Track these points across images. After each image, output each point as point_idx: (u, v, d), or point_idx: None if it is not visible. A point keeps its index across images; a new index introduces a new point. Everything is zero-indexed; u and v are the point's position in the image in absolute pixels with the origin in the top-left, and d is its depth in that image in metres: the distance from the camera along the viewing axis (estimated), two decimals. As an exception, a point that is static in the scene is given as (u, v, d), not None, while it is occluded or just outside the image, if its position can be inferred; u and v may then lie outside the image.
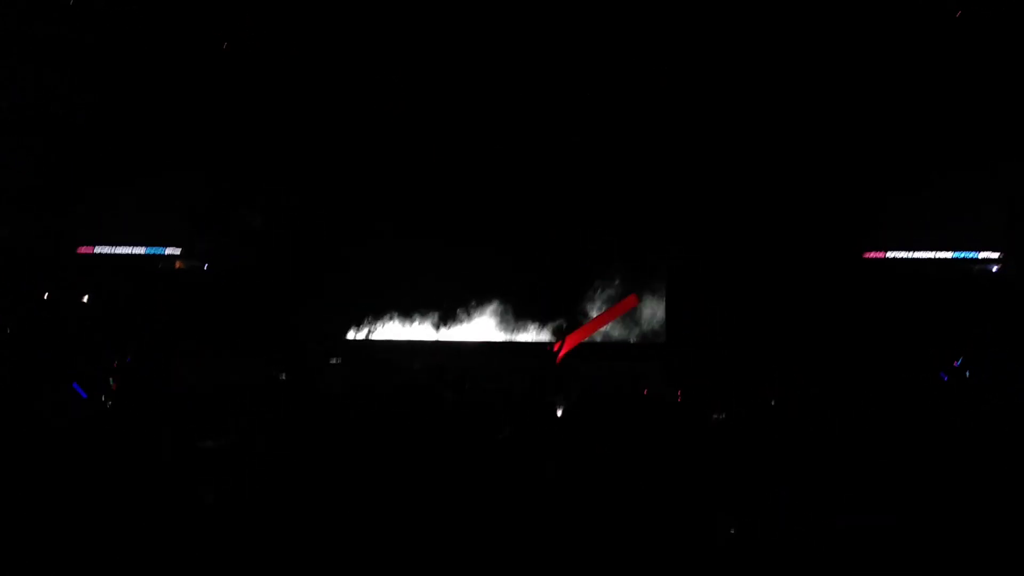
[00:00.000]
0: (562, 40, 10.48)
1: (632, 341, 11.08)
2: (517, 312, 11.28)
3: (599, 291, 11.06)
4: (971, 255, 10.59)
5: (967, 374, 9.19)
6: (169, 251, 11.46)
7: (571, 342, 10.11)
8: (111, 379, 8.01)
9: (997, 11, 9.87)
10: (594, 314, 10.85)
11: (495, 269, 11.21)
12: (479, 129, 11.17)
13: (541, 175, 11.17)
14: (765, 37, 10.28)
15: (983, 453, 4.50)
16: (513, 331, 11.30)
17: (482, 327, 11.36)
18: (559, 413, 5.34)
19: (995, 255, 10.59)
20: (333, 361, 10.60)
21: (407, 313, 11.47)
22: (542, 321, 11.22)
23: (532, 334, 11.25)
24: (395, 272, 11.30)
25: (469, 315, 11.39)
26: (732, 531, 3.92)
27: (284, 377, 8.28)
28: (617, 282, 11.02)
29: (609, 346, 11.02)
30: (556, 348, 10.14)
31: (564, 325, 10.95)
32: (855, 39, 10.16)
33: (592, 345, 10.83)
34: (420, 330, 11.46)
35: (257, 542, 3.85)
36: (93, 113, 11.08)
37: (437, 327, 11.45)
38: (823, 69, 10.38)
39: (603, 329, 11.04)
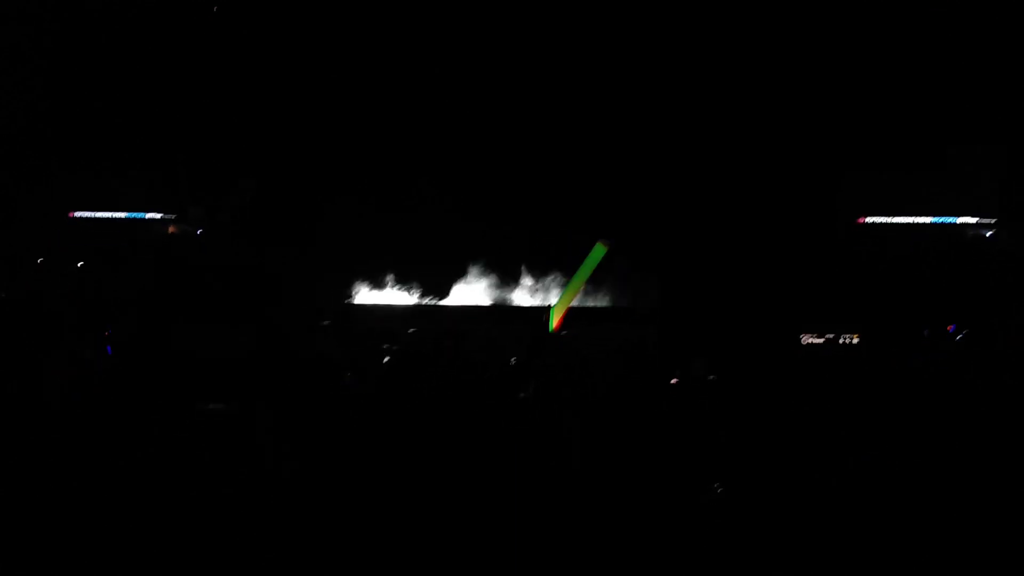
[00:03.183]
0: (550, 30, 10.46)
1: (627, 306, 11.12)
2: (509, 276, 11.30)
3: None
4: (954, 220, 10.62)
5: (959, 338, 9.25)
6: (150, 216, 11.38)
7: (560, 310, 10.13)
8: (107, 346, 7.99)
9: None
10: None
11: (486, 233, 11.20)
12: (475, 100, 11.09)
13: (536, 141, 11.12)
14: (754, 16, 10.25)
15: (980, 422, 4.53)
16: (506, 295, 11.34)
17: (474, 291, 11.39)
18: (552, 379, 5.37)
19: (989, 220, 10.62)
20: (325, 323, 10.60)
21: (400, 277, 11.47)
22: (535, 284, 11.26)
23: (525, 297, 11.30)
24: (388, 237, 11.27)
25: (461, 279, 11.40)
26: (719, 490, 3.96)
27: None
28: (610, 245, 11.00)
29: (604, 311, 11.06)
30: (546, 319, 10.16)
31: (551, 290, 10.99)
32: (842, 11, 10.13)
33: (587, 310, 10.87)
34: (413, 294, 11.48)
35: (263, 512, 3.88)
36: (88, 79, 10.95)
37: (429, 291, 11.47)
38: (815, 41, 10.34)
39: (598, 293, 11.09)
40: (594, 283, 10.93)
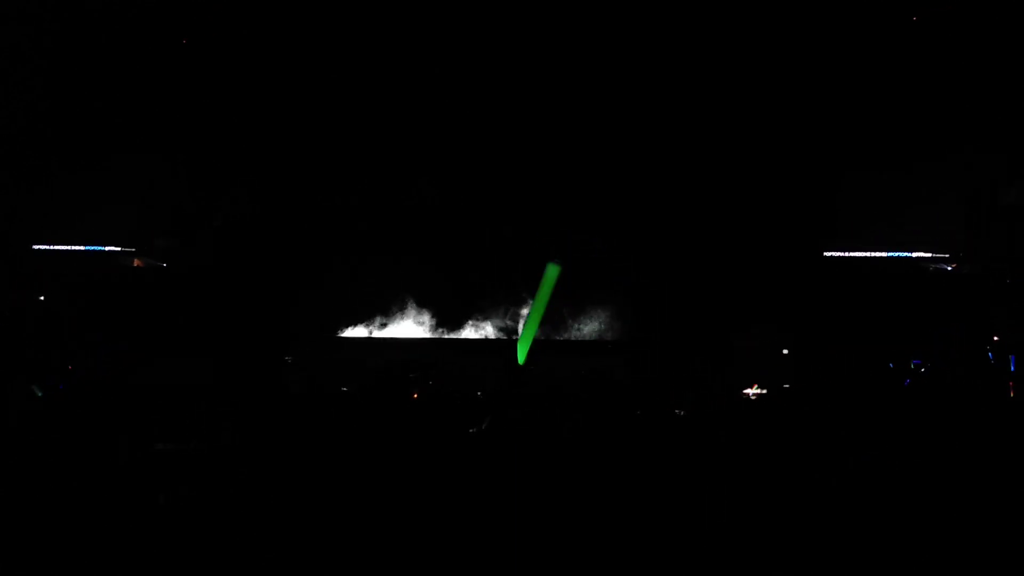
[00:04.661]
0: (524, 42, 10.52)
1: (598, 337, 11.14)
2: (480, 308, 11.28)
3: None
4: (921, 255, 10.80)
5: (923, 371, 9.38)
6: (111, 249, 11.22)
7: (527, 342, 10.12)
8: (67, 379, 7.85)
9: (951, 15, 10.09)
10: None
11: (457, 266, 11.18)
12: (441, 125, 11.09)
13: (505, 172, 11.15)
14: (731, 41, 10.41)
15: (946, 446, 4.58)
16: (476, 328, 11.31)
17: (445, 323, 11.34)
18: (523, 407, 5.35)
19: (948, 254, 10.82)
20: (287, 359, 10.48)
21: (370, 310, 11.39)
22: (504, 316, 11.25)
23: (495, 330, 11.28)
24: (358, 270, 11.20)
25: (432, 311, 11.35)
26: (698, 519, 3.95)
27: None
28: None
29: (575, 342, 11.07)
30: (515, 352, 10.14)
31: (515, 324, 10.97)
32: (816, 43, 10.33)
33: (557, 342, 10.89)
34: (385, 327, 11.40)
35: (224, 539, 3.81)
36: (52, 104, 10.78)
37: (400, 324, 11.40)
38: (787, 73, 10.52)
39: (568, 323, 11.13)
40: (565, 314, 10.99)
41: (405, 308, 11.30)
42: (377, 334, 11.31)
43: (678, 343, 10.40)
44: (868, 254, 10.91)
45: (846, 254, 10.92)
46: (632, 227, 11.04)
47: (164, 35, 10.53)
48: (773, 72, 10.53)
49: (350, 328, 11.36)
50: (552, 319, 10.84)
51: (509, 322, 11.22)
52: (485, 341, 11.14)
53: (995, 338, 9.71)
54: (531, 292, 10.84)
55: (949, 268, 10.83)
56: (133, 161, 10.84)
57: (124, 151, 10.85)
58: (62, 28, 10.17)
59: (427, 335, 11.25)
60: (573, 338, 11.13)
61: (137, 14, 10.21)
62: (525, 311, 10.95)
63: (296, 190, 11.30)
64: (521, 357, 9.42)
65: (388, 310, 11.32)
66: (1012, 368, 9.26)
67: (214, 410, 5.49)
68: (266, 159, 11.10)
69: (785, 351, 10.26)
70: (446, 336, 11.21)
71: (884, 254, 10.86)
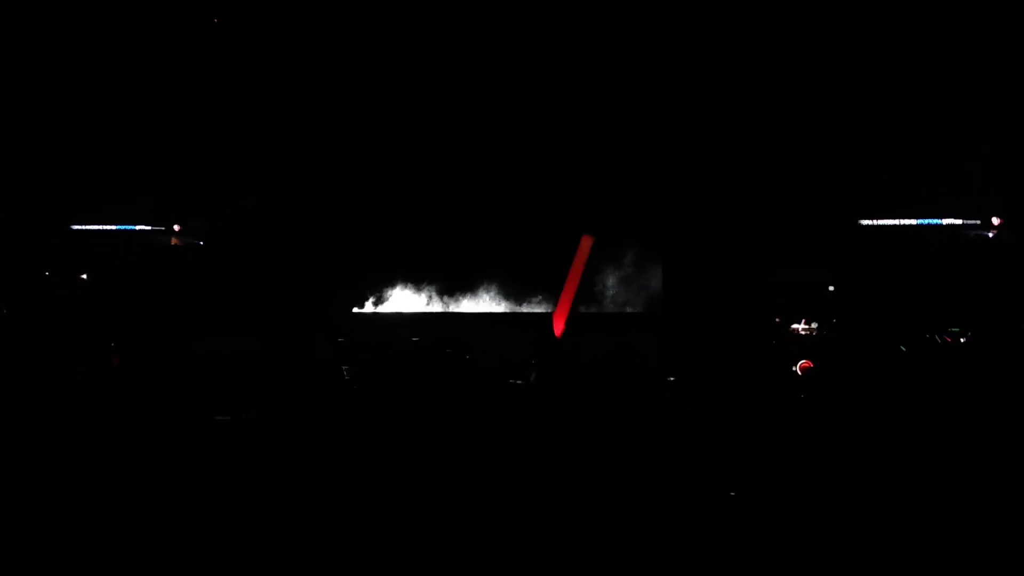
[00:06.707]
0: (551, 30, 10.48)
1: (630, 312, 11.15)
2: (515, 284, 11.33)
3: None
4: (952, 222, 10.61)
5: (963, 340, 9.24)
6: (150, 228, 11.40)
7: (560, 313, 10.13)
8: (112, 357, 7.98)
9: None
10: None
11: (492, 241, 11.23)
12: (478, 103, 11.09)
13: (538, 148, 11.13)
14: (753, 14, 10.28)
15: (982, 427, 4.50)
16: (512, 303, 11.36)
17: (481, 299, 11.42)
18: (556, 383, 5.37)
19: (993, 221, 10.62)
20: (340, 340, 10.63)
21: (405, 286, 11.50)
22: (541, 291, 11.29)
23: (531, 305, 11.32)
24: (392, 245, 11.30)
25: (467, 287, 11.43)
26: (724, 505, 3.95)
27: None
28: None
29: (607, 317, 11.09)
30: (549, 324, 10.16)
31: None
32: (841, 11, 10.15)
33: (591, 316, 10.92)
34: (418, 302, 11.51)
35: (267, 515, 3.89)
36: (83, 90, 10.93)
37: (434, 300, 11.50)
38: (813, 42, 10.35)
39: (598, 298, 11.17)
40: (596, 287, 11.00)
41: (441, 285, 11.42)
42: (413, 308, 11.42)
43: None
44: (898, 221, 10.73)
45: (877, 222, 10.75)
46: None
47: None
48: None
49: (384, 305, 11.50)
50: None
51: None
52: (516, 315, 11.21)
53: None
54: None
55: (990, 235, 10.63)
56: (164, 143, 10.98)
57: (153, 135, 10.97)
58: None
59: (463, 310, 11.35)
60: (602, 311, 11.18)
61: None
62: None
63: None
64: (557, 329, 9.46)
65: (425, 286, 11.44)
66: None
67: (257, 382, 5.57)
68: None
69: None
70: (488, 311, 11.29)
71: (914, 221, 10.66)
